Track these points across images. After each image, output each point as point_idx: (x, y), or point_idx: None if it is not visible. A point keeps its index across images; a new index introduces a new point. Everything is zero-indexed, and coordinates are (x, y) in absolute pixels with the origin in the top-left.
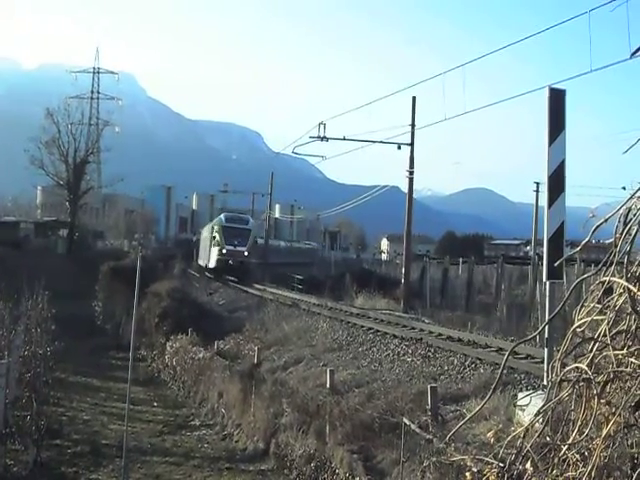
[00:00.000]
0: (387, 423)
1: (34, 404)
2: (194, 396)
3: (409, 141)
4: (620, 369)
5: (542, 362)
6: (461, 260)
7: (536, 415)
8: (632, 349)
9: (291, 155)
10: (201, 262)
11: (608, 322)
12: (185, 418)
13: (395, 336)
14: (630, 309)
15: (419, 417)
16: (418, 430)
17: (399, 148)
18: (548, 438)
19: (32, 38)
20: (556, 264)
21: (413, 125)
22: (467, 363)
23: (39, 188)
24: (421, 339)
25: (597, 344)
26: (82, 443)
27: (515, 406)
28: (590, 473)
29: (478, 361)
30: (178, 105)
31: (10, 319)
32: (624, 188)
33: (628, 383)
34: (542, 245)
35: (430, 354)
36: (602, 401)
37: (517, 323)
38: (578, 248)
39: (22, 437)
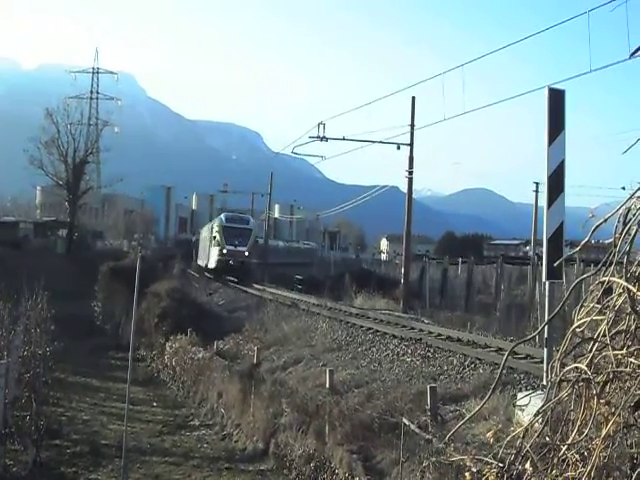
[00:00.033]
0: (386, 423)
1: (33, 404)
2: (193, 396)
3: (408, 141)
4: (619, 369)
5: (541, 362)
6: (460, 260)
7: (535, 415)
8: (631, 349)
9: (291, 155)
10: (201, 262)
11: (607, 322)
12: (184, 418)
13: (394, 336)
14: (629, 309)
15: (418, 417)
16: (417, 430)
17: (398, 148)
18: (547, 438)
19: (32, 38)
20: (555, 264)
21: (412, 125)
22: (466, 363)
23: (38, 188)
24: (420, 339)
25: (596, 344)
26: (81, 443)
27: (514, 406)
28: (590, 473)
29: (477, 361)
30: (178, 105)
31: (9, 319)
32: (623, 188)
33: (627, 383)
34: (541, 245)
35: (429, 354)
36: (601, 401)
37: (516, 323)
38: (578, 248)
39: (21, 437)
